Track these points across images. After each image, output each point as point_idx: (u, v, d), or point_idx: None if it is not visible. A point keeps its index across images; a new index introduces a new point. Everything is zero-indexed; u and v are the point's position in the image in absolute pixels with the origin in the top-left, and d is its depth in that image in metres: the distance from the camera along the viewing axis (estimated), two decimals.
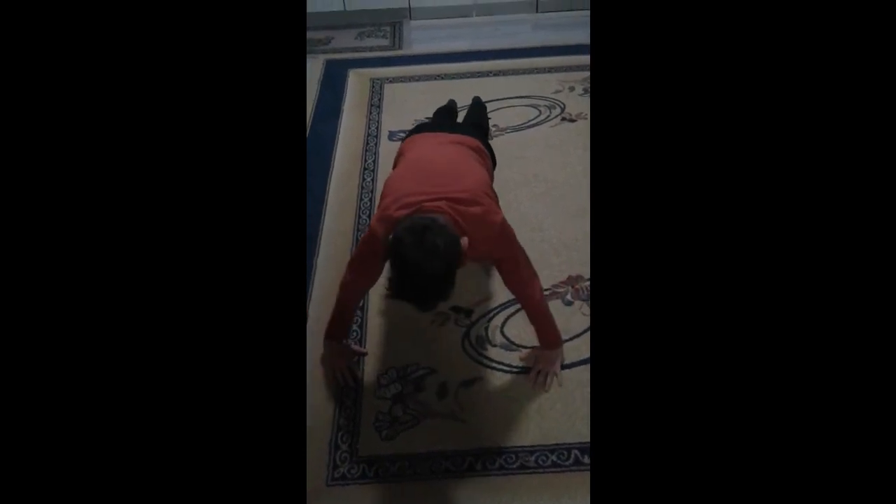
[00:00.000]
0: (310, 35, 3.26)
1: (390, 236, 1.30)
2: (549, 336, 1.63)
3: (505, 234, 1.46)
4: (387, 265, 1.35)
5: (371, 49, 3.19)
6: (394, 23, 3.39)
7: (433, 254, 1.22)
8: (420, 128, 1.89)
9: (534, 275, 1.56)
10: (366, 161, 2.41)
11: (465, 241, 1.32)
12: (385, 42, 3.25)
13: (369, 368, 1.69)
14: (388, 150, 2.45)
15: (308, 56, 3.07)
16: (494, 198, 1.57)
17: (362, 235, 1.56)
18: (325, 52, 3.16)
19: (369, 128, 2.58)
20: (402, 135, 2.50)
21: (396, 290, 1.28)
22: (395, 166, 1.70)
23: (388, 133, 2.54)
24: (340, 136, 2.55)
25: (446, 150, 1.62)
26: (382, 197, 1.50)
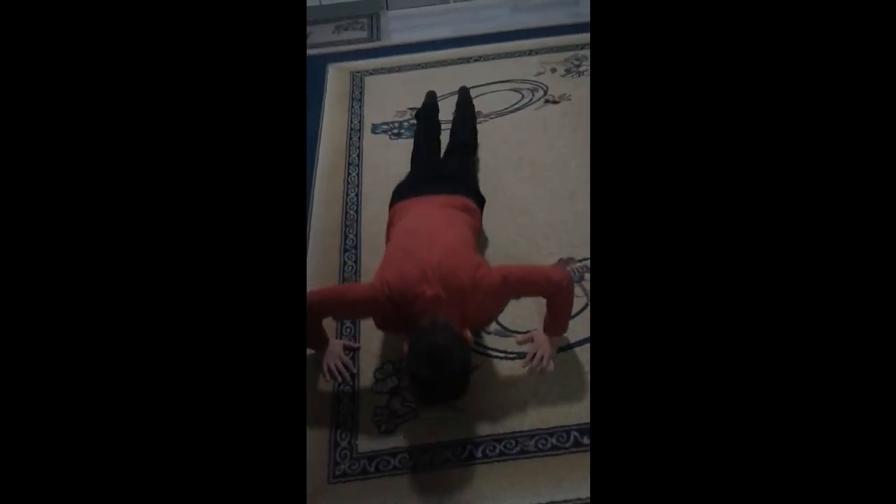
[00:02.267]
0: None
1: (405, 361, 1.42)
2: (561, 326, 1.62)
3: (506, 282, 1.47)
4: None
5: (349, 42, 3.16)
6: (371, 14, 3.36)
7: (452, 378, 1.36)
8: (406, 191, 1.85)
9: (546, 271, 1.61)
10: (350, 156, 2.39)
11: (468, 336, 1.43)
12: (363, 34, 3.22)
13: (365, 364, 1.68)
14: (371, 144, 2.43)
15: None
16: (477, 250, 1.63)
17: (358, 290, 1.60)
18: None
19: (352, 122, 2.56)
20: (386, 127, 2.50)
21: (424, 404, 1.53)
22: (387, 235, 1.73)
23: (371, 126, 2.52)
24: (323, 132, 2.52)
25: (435, 218, 1.66)
26: (382, 267, 1.54)
